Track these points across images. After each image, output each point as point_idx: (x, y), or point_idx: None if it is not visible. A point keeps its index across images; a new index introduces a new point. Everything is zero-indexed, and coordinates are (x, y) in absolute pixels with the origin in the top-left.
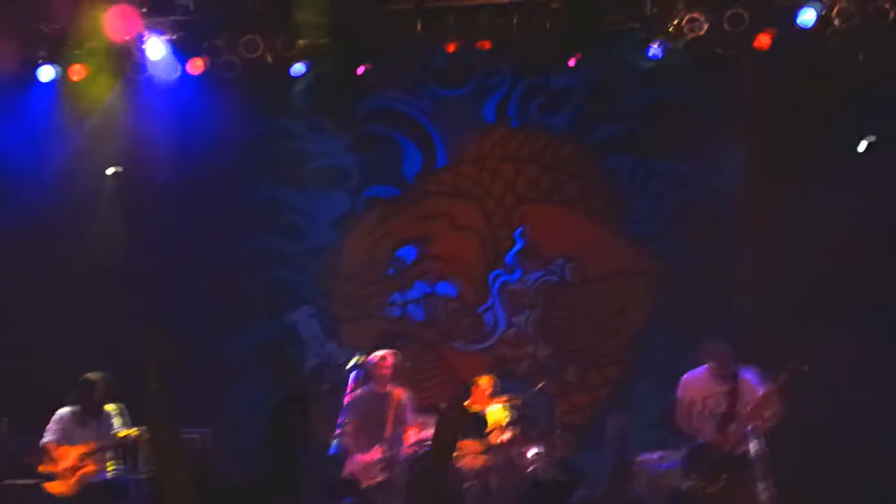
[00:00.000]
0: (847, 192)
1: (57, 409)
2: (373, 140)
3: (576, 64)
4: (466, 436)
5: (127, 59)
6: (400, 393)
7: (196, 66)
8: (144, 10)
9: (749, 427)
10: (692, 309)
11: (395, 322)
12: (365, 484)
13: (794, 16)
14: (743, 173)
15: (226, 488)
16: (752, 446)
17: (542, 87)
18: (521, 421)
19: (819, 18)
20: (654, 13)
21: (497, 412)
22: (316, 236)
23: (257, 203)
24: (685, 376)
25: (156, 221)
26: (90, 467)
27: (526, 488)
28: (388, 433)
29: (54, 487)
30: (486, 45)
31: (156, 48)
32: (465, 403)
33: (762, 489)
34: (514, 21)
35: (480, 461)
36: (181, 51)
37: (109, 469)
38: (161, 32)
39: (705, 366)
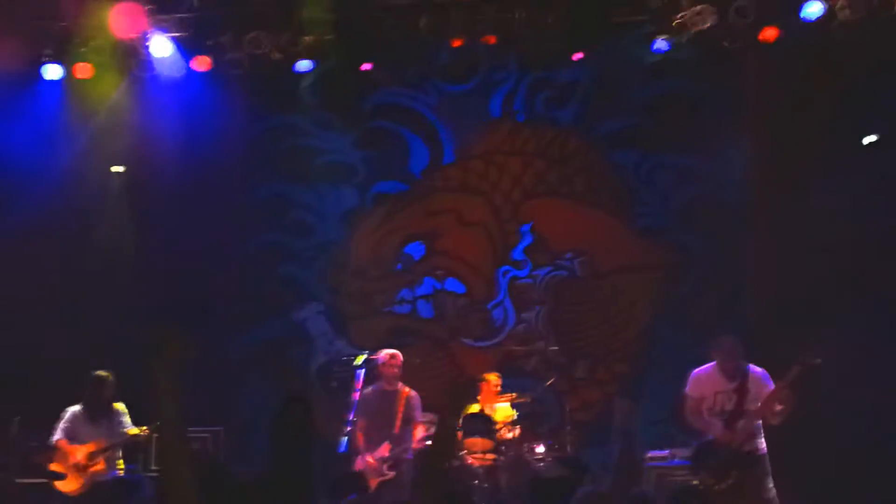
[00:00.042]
0: (853, 185)
1: (67, 407)
2: (379, 136)
3: (581, 58)
4: (474, 434)
5: (133, 56)
6: (408, 391)
7: (202, 63)
8: (150, 7)
9: (758, 423)
10: (701, 303)
11: (404, 318)
12: (373, 481)
13: (800, 8)
14: (749, 166)
15: (235, 486)
16: (761, 443)
17: (547, 82)
18: (529, 418)
19: (825, 11)
20: (659, 6)
21: (504, 410)
22: (324, 232)
23: (264, 200)
24: (694, 372)
25: (162, 219)
26: (100, 465)
27: (530, 485)
28: (396, 431)
29: (64, 486)
30: (492, 39)
31: (161, 46)
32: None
33: (770, 486)
34: (520, 15)
35: (488, 459)
36: (187, 48)
37: (119, 467)
38: (166, 30)
39: (714, 362)
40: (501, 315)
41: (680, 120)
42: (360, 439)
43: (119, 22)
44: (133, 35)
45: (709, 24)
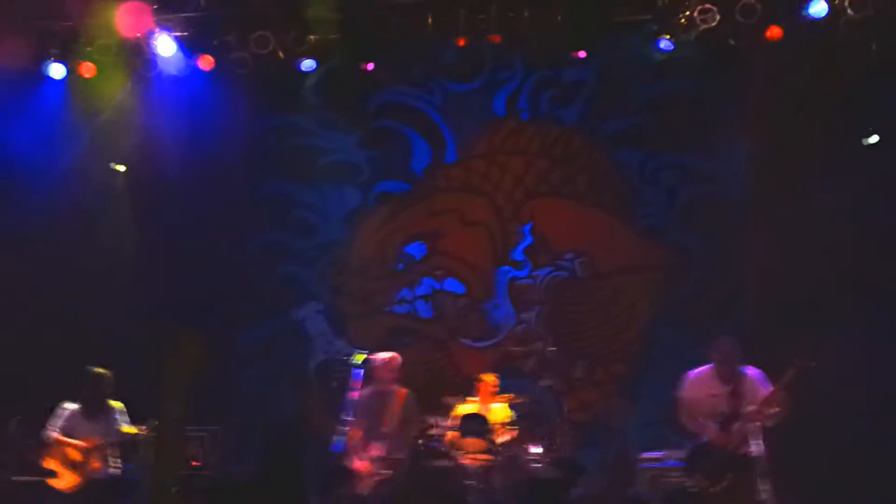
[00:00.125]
0: (854, 185)
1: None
2: (383, 135)
3: (586, 57)
4: (470, 434)
5: (137, 55)
6: (404, 392)
7: (206, 62)
8: (155, 7)
9: (752, 426)
10: (701, 304)
11: (403, 318)
12: (367, 481)
13: (806, 6)
14: (753, 166)
15: (231, 484)
16: (755, 445)
17: (552, 81)
18: (525, 419)
19: (830, 9)
20: (664, 5)
21: (500, 411)
22: (326, 232)
23: (267, 199)
24: (689, 375)
25: (165, 217)
26: (95, 463)
27: (525, 486)
28: (391, 431)
29: (60, 483)
30: (497, 38)
31: (166, 45)
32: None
33: (764, 489)
34: (524, 15)
35: (484, 459)
36: (191, 47)
37: (116, 466)
38: (171, 29)
39: (710, 364)
40: (501, 315)
41: (684, 119)
42: (356, 439)
43: (124, 21)
44: (138, 34)
45: (715, 23)
